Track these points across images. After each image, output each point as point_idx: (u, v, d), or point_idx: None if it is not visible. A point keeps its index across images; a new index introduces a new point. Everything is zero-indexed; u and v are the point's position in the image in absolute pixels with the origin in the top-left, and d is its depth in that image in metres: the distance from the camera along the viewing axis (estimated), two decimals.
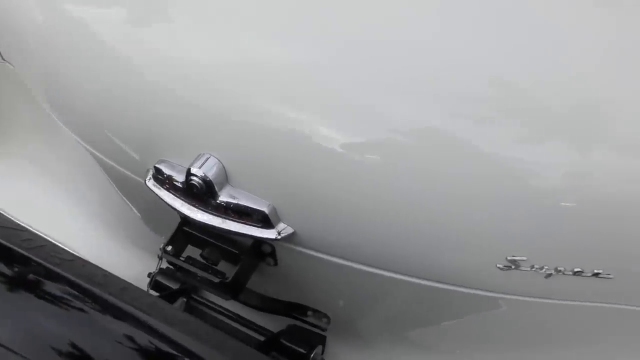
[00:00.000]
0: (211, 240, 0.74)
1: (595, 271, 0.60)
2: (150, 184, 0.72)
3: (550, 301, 0.65)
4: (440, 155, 0.58)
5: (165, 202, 0.70)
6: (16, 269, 0.48)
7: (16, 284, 0.47)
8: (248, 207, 0.66)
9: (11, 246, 0.48)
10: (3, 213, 0.61)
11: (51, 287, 0.46)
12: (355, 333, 0.85)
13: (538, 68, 0.59)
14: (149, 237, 0.96)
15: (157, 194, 0.71)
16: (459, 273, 0.64)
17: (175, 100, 0.66)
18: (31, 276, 0.47)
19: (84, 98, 0.74)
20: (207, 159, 0.65)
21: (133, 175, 0.77)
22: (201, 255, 0.75)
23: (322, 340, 0.84)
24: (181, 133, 0.67)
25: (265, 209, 0.66)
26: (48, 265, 0.45)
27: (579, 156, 0.57)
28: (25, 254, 0.46)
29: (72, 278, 0.45)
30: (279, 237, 0.67)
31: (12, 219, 1.02)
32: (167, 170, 0.69)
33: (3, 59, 0.93)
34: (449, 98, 0.59)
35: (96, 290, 0.45)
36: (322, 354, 0.84)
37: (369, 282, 0.69)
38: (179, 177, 0.68)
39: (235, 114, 0.63)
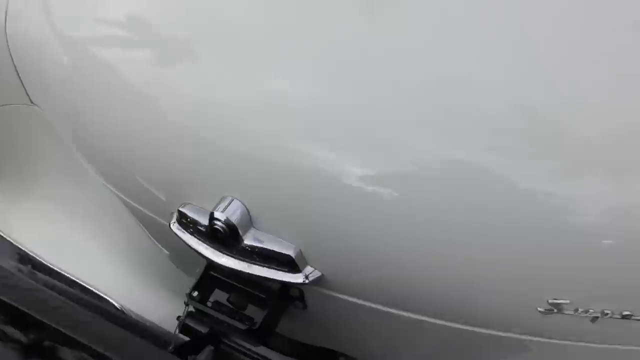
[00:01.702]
0: (238, 284, 0.75)
1: None
2: (175, 227, 0.74)
3: (597, 345, 0.63)
4: (475, 194, 0.58)
5: (190, 247, 0.72)
6: (30, 334, 0.49)
7: (30, 349, 0.48)
8: (273, 251, 0.66)
9: (24, 309, 0.49)
10: (15, 273, 0.63)
11: (65, 353, 0.47)
12: None
13: (570, 97, 0.58)
14: (177, 277, 0.97)
15: (181, 238, 0.73)
16: (497, 317, 0.62)
17: (198, 142, 0.67)
18: (47, 343, 0.48)
19: (108, 139, 0.77)
20: (230, 202, 0.66)
21: (158, 218, 0.79)
22: (228, 300, 0.76)
23: None
24: (204, 175, 0.69)
25: (292, 253, 0.66)
26: (62, 329, 0.46)
27: (621, 190, 0.56)
28: (39, 317, 0.48)
29: (87, 343, 0.45)
30: (307, 281, 0.67)
31: (42, 261, 1.07)
32: (191, 214, 0.70)
33: (31, 101, 0.98)
34: (479, 132, 0.58)
35: (110, 355, 0.45)
36: None
37: (404, 327, 0.69)
38: (203, 221, 0.69)
39: (258, 155, 0.64)
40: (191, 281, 0.77)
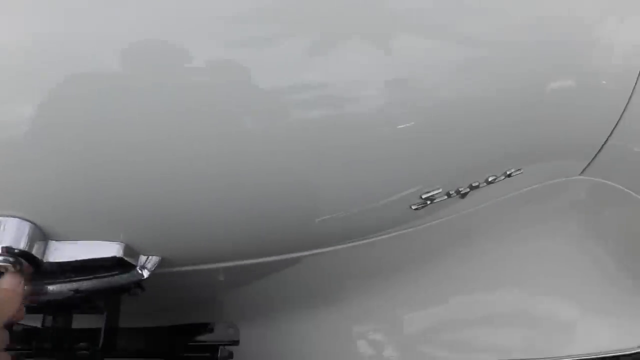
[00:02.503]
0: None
1: (507, 172, 0.58)
2: None
3: (470, 210, 0.63)
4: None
5: None
6: None
7: None
8: (92, 258, 0.50)
9: None
10: None
11: None
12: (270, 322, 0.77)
13: None
14: None
15: None
16: (373, 229, 0.58)
17: None
18: None
19: None
20: (3, 225, 0.47)
21: None
22: (42, 327, 0.58)
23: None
24: None
25: (117, 252, 0.51)
26: None
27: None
28: None
29: None
30: (148, 273, 0.54)
31: None
32: None
33: None
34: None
35: None
36: None
37: (275, 270, 0.61)
38: None
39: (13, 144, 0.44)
40: None
